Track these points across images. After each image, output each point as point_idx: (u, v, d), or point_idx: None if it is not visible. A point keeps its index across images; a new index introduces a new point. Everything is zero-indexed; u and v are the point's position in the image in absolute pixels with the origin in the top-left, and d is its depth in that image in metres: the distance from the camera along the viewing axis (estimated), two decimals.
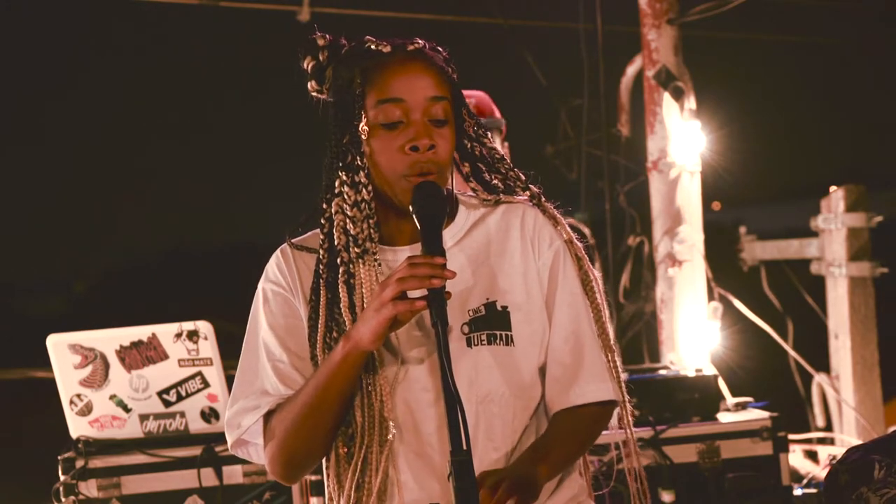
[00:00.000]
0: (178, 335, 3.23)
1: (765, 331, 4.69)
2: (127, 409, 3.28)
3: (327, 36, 2.09)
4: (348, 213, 2.02)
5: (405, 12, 5.71)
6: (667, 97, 4.38)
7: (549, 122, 5.77)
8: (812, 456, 4.46)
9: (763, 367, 5.30)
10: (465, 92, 3.23)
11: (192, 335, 3.23)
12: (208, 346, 3.23)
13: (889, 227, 4.76)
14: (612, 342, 2.14)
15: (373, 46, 2.04)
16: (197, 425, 3.30)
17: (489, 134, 2.18)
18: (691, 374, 3.59)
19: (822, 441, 4.61)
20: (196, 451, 3.22)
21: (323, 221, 2.06)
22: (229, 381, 2.58)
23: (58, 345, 3.22)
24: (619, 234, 4.92)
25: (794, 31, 7.55)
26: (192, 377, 3.26)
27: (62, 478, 3.18)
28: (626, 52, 4.84)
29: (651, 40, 4.46)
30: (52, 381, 3.27)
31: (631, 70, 4.82)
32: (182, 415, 3.29)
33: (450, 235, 2.08)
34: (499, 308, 2.04)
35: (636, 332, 5.00)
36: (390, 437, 1.97)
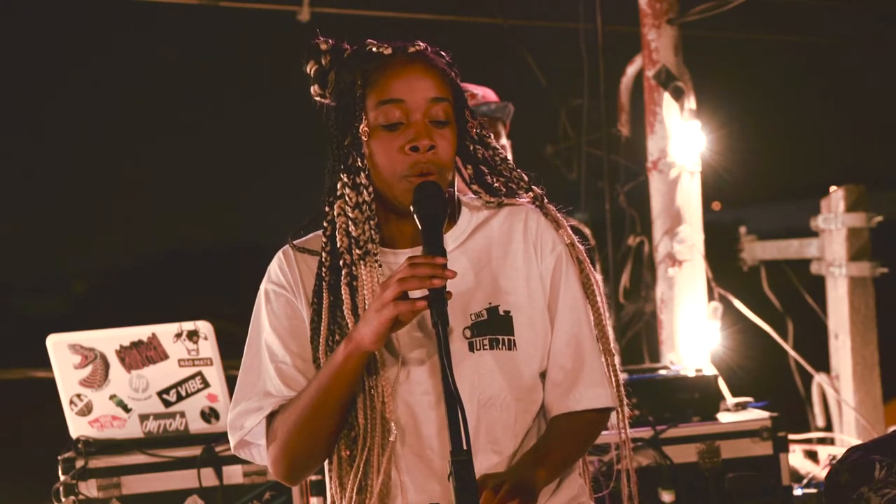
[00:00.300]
0: (178, 335, 3.23)
1: (765, 331, 4.69)
2: (127, 409, 3.28)
3: (330, 40, 2.09)
4: (350, 214, 2.02)
5: (405, 12, 5.71)
6: (667, 97, 4.38)
7: (549, 122, 5.77)
8: (812, 456, 4.46)
9: (763, 367, 5.30)
10: (471, 86, 3.21)
11: (192, 335, 3.23)
12: (208, 346, 3.23)
13: (889, 227, 4.76)
14: (611, 346, 2.14)
15: (374, 49, 2.04)
16: (197, 425, 3.30)
17: (492, 135, 2.18)
18: (691, 374, 3.59)
19: (822, 441, 4.61)
20: (196, 451, 3.22)
21: (325, 224, 2.06)
22: (229, 381, 2.58)
23: (58, 345, 3.22)
24: (619, 234, 4.92)
25: (794, 31, 7.55)
26: (192, 377, 3.26)
27: (62, 478, 3.18)
28: (626, 52, 4.84)
29: (651, 40, 4.47)
30: (52, 381, 3.27)
31: (631, 70, 4.82)
32: (182, 415, 3.29)
33: (452, 238, 2.08)
34: (501, 313, 2.05)
35: (636, 332, 5.00)
36: (392, 438, 1.97)
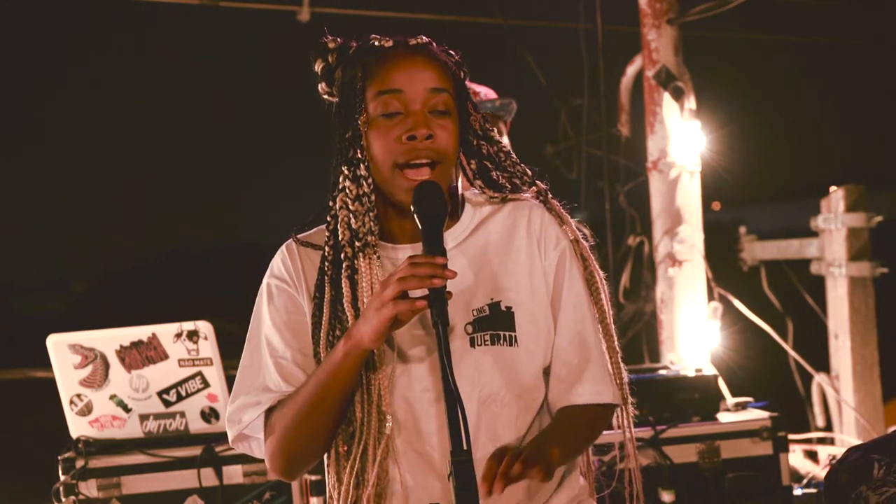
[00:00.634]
0: (178, 335, 3.23)
1: (765, 331, 4.69)
2: (127, 409, 3.28)
3: (338, 39, 2.10)
4: (351, 207, 2.02)
5: (405, 12, 5.71)
6: (667, 97, 4.38)
7: (549, 122, 5.77)
8: (812, 456, 4.46)
9: (763, 367, 5.30)
10: (472, 85, 3.20)
11: (192, 335, 3.23)
12: (208, 346, 3.23)
13: (889, 227, 4.76)
14: (615, 343, 2.13)
15: (376, 42, 2.05)
16: (197, 425, 3.30)
17: (495, 129, 2.18)
18: (691, 374, 3.59)
19: (822, 441, 4.61)
20: (196, 451, 3.22)
21: (328, 218, 2.06)
22: (229, 381, 2.58)
23: (58, 345, 3.22)
24: (619, 234, 4.92)
25: (794, 31, 7.55)
26: (192, 377, 3.26)
27: (62, 478, 3.18)
28: (626, 52, 4.84)
29: (651, 40, 4.47)
30: (52, 381, 3.27)
31: (631, 70, 4.82)
32: (182, 415, 3.29)
33: (453, 236, 2.08)
34: (503, 308, 2.04)
35: (636, 332, 5.00)
36: (387, 430, 1.97)
